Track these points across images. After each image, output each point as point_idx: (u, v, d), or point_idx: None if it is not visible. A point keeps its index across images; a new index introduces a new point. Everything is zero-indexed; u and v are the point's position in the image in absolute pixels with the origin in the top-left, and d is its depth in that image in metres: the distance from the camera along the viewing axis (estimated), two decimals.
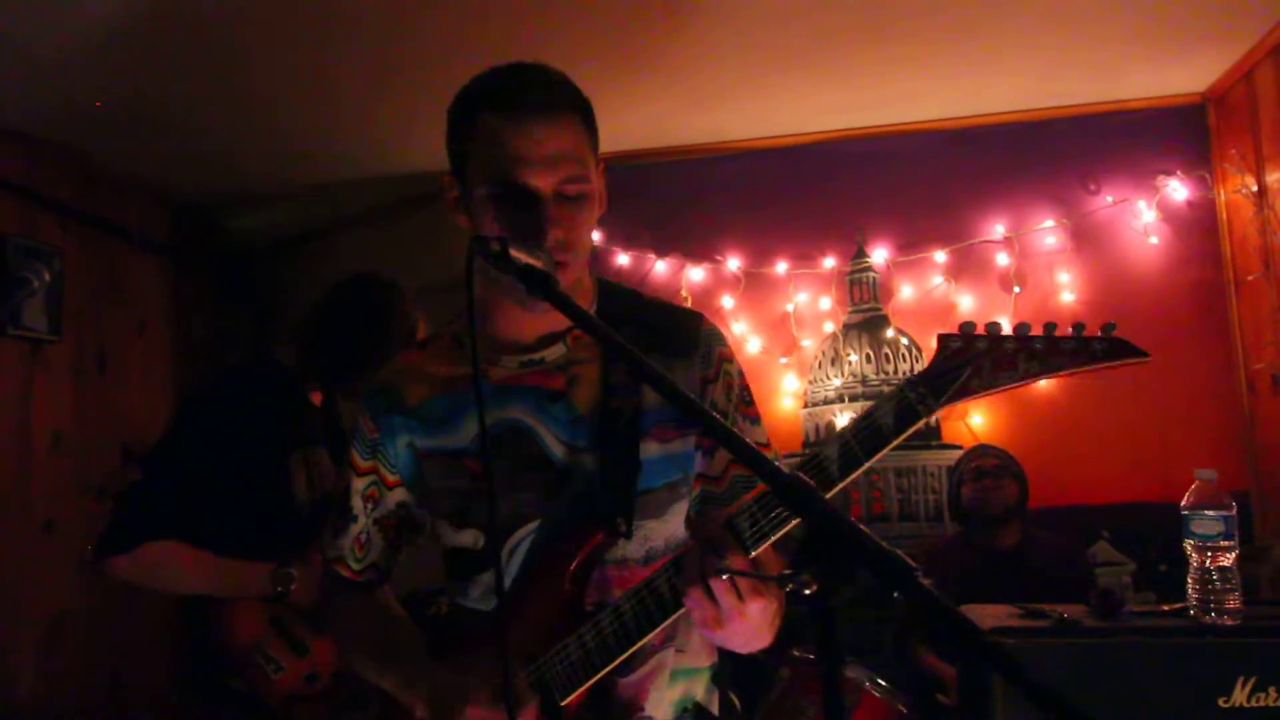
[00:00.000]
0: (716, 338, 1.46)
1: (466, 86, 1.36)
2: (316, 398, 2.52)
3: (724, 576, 1.06)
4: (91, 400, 3.96)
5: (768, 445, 1.47)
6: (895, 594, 0.82)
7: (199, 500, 2.26)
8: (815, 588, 0.86)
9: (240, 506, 2.32)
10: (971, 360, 1.14)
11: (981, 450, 3.53)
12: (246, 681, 2.30)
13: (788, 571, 0.87)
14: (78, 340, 3.90)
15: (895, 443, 1.15)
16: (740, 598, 1.10)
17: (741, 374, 1.48)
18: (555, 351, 1.41)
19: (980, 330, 1.16)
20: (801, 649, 2.84)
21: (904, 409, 1.15)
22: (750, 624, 1.12)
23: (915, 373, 1.17)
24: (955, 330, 1.17)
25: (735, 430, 1.38)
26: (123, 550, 2.21)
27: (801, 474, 1.15)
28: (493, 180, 1.28)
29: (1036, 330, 1.15)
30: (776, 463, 1.15)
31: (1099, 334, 1.13)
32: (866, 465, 1.16)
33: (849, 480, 1.16)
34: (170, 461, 2.31)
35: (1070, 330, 1.14)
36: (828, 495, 1.14)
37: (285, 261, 4.81)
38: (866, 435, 1.15)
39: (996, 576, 3.16)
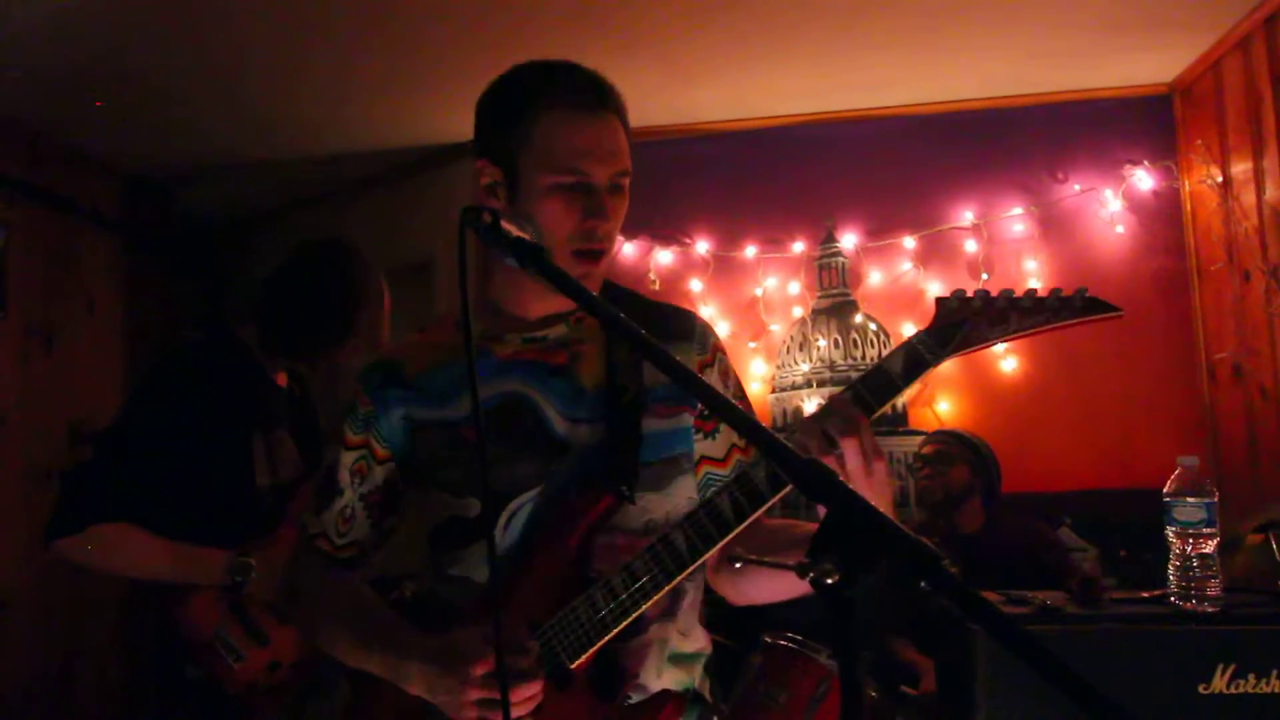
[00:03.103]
0: (711, 331, 1.54)
1: (518, 79, 1.42)
2: (281, 379, 2.43)
3: (736, 564, 1.03)
4: (38, 380, 3.83)
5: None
6: (921, 583, 0.80)
7: (153, 482, 2.17)
8: (836, 578, 0.82)
9: (197, 489, 2.23)
10: (969, 317, 1.25)
11: (934, 435, 3.56)
12: (205, 670, 2.22)
13: (806, 560, 0.83)
14: (24, 318, 3.76)
15: (904, 389, 1.26)
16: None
17: (735, 369, 1.55)
18: (557, 330, 1.45)
19: (970, 295, 1.27)
20: (773, 635, 2.83)
21: (913, 357, 1.25)
22: (881, 477, 1.20)
23: (921, 330, 1.27)
24: (940, 309, 1.28)
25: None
26: (71, 532, 2.12)
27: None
28: (563, 170, 1.35)
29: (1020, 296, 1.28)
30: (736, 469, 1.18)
31: (1075, 292, 1.26)
32: (879, 412, 1.25)
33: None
34: (123, 440, 2.21)
35: (1050, 292, 1.27)
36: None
37: (241, 240, 4.69)
38: (878, 384, 1.25)
39: (961, 561, 3.16)
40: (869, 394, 1.24)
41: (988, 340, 1.24)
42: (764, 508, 1.24)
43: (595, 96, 1.39)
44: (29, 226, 3.80)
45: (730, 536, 1.25)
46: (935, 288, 3.99)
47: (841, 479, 0.97)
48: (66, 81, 3.44)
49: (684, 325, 1.50)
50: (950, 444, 3.43)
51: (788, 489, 1.20)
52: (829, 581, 0.82)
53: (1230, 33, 3.44)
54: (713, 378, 1.48)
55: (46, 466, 3.74)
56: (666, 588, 1.27)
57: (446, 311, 1.57)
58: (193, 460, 2.20)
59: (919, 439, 3.87)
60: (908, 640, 3.15)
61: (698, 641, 1.46)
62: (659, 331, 1.42)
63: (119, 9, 2.99)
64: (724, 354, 1.53)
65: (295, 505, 2.32)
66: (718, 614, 1.69)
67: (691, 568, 1.26)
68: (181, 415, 2.21)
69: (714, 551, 1.27)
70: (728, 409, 0.96)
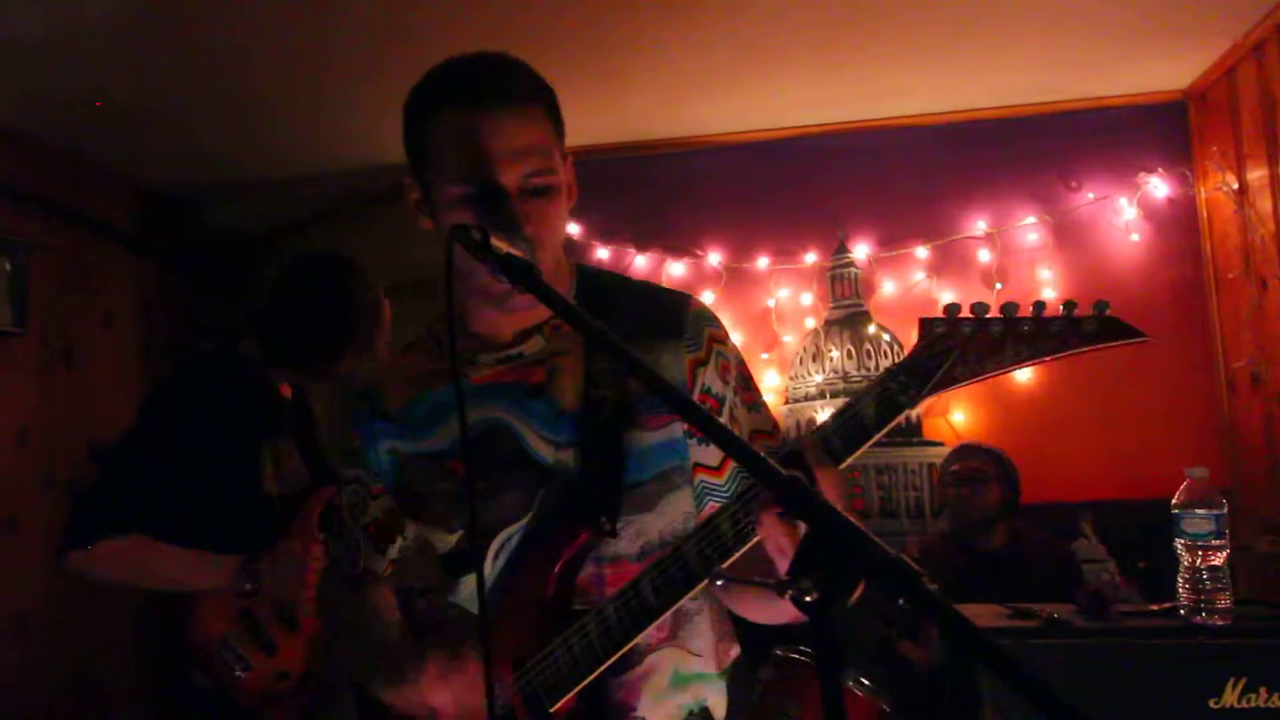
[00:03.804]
0: (706, 318, 1.39)
1: (422, 82, 1.31)
2: (286, 390, 2.45)
3: (719, 582, 1.02)
4: (58, 394, 3.87)
5: (771, 433, 1.40)
6: (900, 601, 0.78)
7: (162, 493, 2.19)
8: (815, 595, 0.82)
9: (205, 499, 2.25)
10: (956, 347, 1.07)
11: (964, 451, 3.47)
12: (214, 679, 2.24)
13: (786, 578, 0.83)
14: (44, 333, 3.80)
15: (877, 436, 1.09)
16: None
17: (740, 358, 1.41)
18: (533, 345, 1.36)
19: (965, 313, 1.08)
20: (784, 649, 2.81)
21: (886, 400, 1.08)
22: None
23: (896, 361, 1.11)
24: (923, 335, 1.10)
25: (736, 414, 1.36)
26: (81, 545, 2.14)
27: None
28: (460, 179, 1.23)
29: (1025, 311, 1.07)
30: (774, 455, 1.11)
31: (1090, 313, 1.05)
32: (849, 460, 1.10)
33: None
34: (131, 454, 2.23)
35: (1061, 310, 1.06)
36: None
37: (258, 255, 4.73)
38: (848, 430, 1.09)
39: (987, 577, 3.14)
40: (839, 442, 1.09)
41: (977, 376, 1.06)
42: (730, 560, 1.13)
43: (490, 88, 1.23)
44: (49, 242, 3.85)
45: (699, 587, 1.16)
46: (948, 297, 3.95)
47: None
48: (87, 101, 3.49)
49: (672, 318, 1.37)
50: (983, 461, 3.37)
51: (754, 541, 1.09)
52: (808, 599, 0.82)
53: (1245, 39, 3.42)
54: (708, 376, 1.35)
55: (66, 480, 3.78)
56: (637, 637, 1.20)
57: (424, 334, 1.49)
58: (200, 471, 2.23)
59: (934, 450, 3.85)
60: (910, 643, 3.11)
61: (715, 658, 1.38)
62: (644, 327, 1.34)
63: (137, 32, 3.03)
64: (722, 342, 1.38)
65: (301, 514, 2.34)
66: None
67: (658, 620, 1.19)
68: (188, 427, 2.23)
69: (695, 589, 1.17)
70: (709, 424, 0.93)
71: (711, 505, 1.35)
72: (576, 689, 1.23)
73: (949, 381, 1.07)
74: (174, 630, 2.26)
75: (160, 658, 2.40)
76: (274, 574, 2.24)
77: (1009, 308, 1.07)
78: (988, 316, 1.07)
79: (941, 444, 3.88)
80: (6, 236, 3.59)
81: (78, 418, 3.93)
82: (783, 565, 1.01)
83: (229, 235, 4.78)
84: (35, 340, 3.76)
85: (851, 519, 0.83)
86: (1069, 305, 1.06)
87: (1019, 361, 1.06)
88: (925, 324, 1.09)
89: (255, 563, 2.23)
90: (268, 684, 2.26)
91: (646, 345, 1.33)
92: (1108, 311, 1.05)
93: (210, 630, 2.24)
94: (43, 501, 3.70)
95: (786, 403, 4.11)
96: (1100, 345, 1.04)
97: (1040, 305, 1.07)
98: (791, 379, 4.11)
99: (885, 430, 1.09)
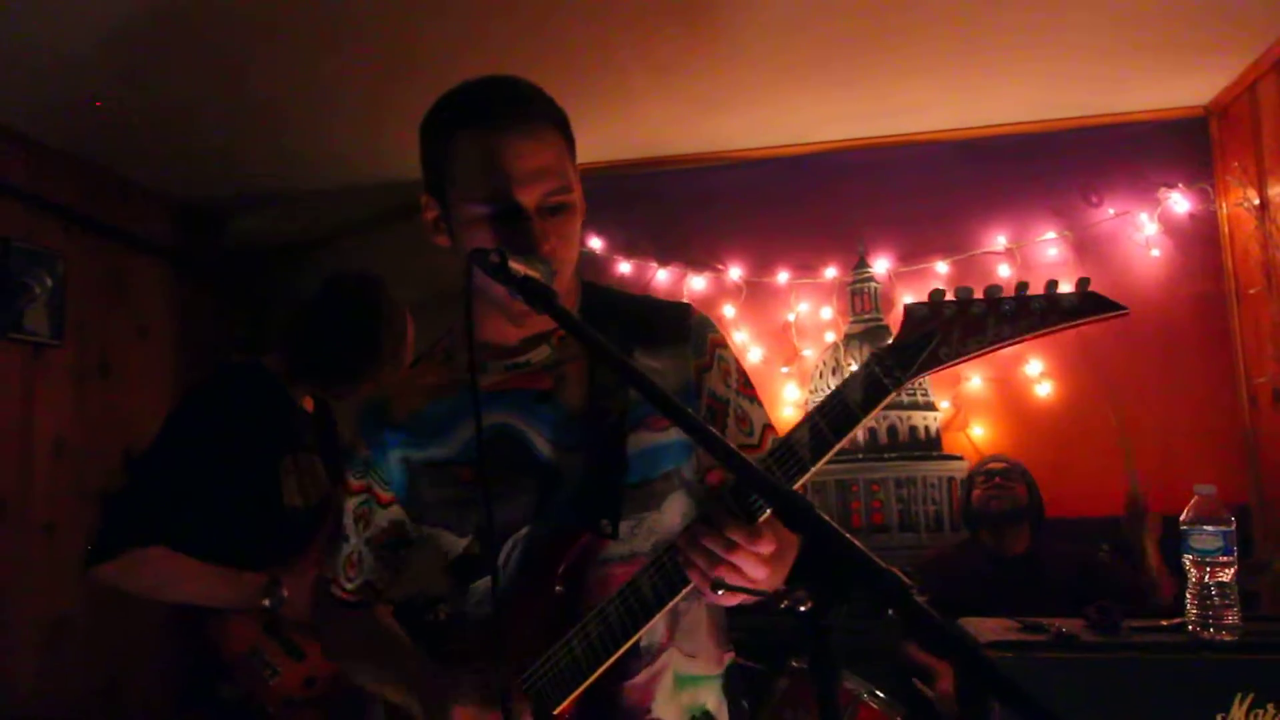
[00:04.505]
0: (708, 325, 1.45)
1: (439, 105, 1.35)
2: (308, 404, 2.51)
3: (718, 591, 1.05)
4: (93, 405, 3.97)
5: (772, 427, 1.45)
6: (889, 611, 0.82)
7: (186, 505, 2.24)
8: (810, 605, 0.85)
9: (228, 511, 2.30)
10: (939, 328, 1.11)
11: (993, 457, 3.57)
12: (242, 687, 2.29)
13: (782, 589, 0.87)
14: (80, 344, 3.90)
15: (865, 419, 1.12)
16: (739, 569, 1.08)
17: (737, 359, 1.47)
18: (541, 353, 1.40)
19: (949, 297, 1.12)
20: (800, 660, 2.84)
21: (871, 383, 1.12)
22: (760, 583, 1.10)
23: (883, 345, 1.14)
24: (907, 319, 1.15)
25: (742, 412, 1.41)
26: (109, 557, 2.19)
27: (775, 464, 1.14)
28: (481, 199, 1.27)
29: (1009, 293, 1.12)
30: (767, 461, 1.14)
31: (1072, 290, 1.09)
32: (838, 445, 1.13)
33: (822, 463, 1.13)
34: (157, 466, 2.28)
35: (1044, 289, 1.10)
36: (801, 480, 1.12)
37: (289, 266, 4.81)
38: (835, 414, 1.13)
39: (1007, 583, 3.15)
40: (827, 426, 1.13)
41: (960, 356, 1.10)
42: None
43: (509, 111, 1.27)
44: (85, 255, 3.95)
45: (690, 587, 1.18)
46: None
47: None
48: (118, 116, 3.58)
49: (675, 327, 1.42)
50: (1015, 465, 3.45)
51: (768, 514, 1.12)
52: (802, 609, 0.86)
53: (1266, 54, 3.42)
54: (712, 380, 1.41)
55: (101, 490, 3.87)
56: (636, 635, 1.23)
57: (433, 346, 1.54)
58: (223, 484, 2.27)
59: (953, 464, 3.87)
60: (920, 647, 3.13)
61: (708, 662, 1.40)
62: (648, 336, 1.39)
63: (166, 49, 3.13)
64: (724, 347, 1.44)
65: (325, 526, 2.39)
66: (746, 637, 1.68)
67: (658, 616, 1.21)
68: (211, 440, 2.28)
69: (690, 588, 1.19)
70: (704, 434, 0.95)
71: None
72: (580, 689, 1.25)
73: (933, 362, 1.11)
74: (201, 640, 2.31)
75: (188, 668, 2.44)
76: (296, 588, 2.28)
77: (992, 289, 1.11)
78: (969, 298, 1.12)
79: (961, 458, 3.89)
80: (44, 249, 3.70)
81: (112, 428, 4.03)
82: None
83: (253, 248, 4.88)
84: (72, 352, 3.86)
85: (843, 532, 0.86)
86: (1050, 284, 1.10)
87: (1000, 340, 1.09)
88: (909, 309, 1.14)
89: (276, 584, 2.27)
90: (295, 690, 2.31)
91: (650, 353, 1.38)
92: (1090, 287, 1.08)
93: (239, 639, 2.28)
94: (78, 509, 3.79)
95: None
96: (1081, 320, 1.08)
97: (1023, 286, 1.11)
98: (811, 392, 4.13)
99: (873, 414, 1.12)
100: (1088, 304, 1.08)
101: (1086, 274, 3.65)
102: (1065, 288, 1.09)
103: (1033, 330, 1.08)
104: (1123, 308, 1.08)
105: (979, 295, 1.11)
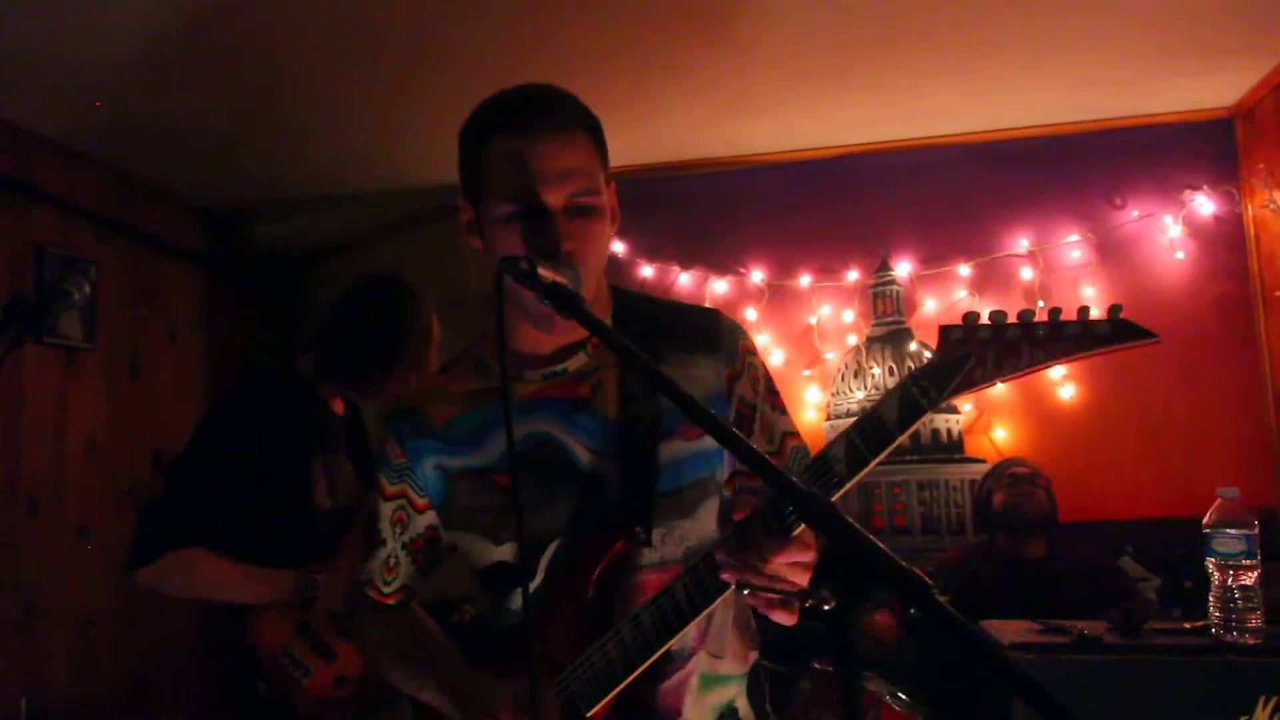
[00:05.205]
0: (738, 332, 1.48)
1: (477, 111, 1.38)
2: (338, 406, 2.55)
3: (745, 591, 1.07)
4: (124, 407, 4.03)
5: (795, 434, 1.47)
6: (911, 611, 0.84)
7: (222, 508, 2.28)
8: (833, 604, 0.87)
9: (262, 514, 2.34)
10: (974, 350, 1.13)
11: (1015, 460, 3.55)
12: (275, 686, 2.33)
13: (806, 588, 0.89)
14: (111, 348, 3.97)
15: (901, 438, 1.14)
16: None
17: (765, 366, 1.49)
18: (577, 361, 1.42)
19: (984, 320, 1.15)
20: (822, 661, 2.85)
21: (908, 403, 1.14)
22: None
23: (918, 367, 1.14)
24: (943, 341, 1.17)
25: (766, 418, 1.43)
26: (148, 561, 2.24)
27: (811, 478, 1.16)
28: (508, 198, 1.29)
29: (1041, 317, 1.13)
30: (795, 464, 1.15)
31: (1105, 316, 1.11)
32: (874, 463, 1.15)
33: (857, 479, 1.15)
34: (192, 471, 2.33)
35: (1076, 315, 1.12)
36: (836, 495, 1.14)
37: (316, 270, 4.87)
38: (871, 432, 1.15)
39: (1023, 586, 3.15)
40: (863, 443, 1.15)
41: (994, 379, 1.13)
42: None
43: (539, 115, 1.31)
44: (117, 260, 4.02)
45: (727, 593, 1.20)
46: None
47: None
48: (149, 124, 3.65)
49: (710, 334, 1.44)
50: (1034, 468, 3.44)
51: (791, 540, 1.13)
52: (826, 608, 0.88)
53: None
54: (742, 386, 1.43)
55: (132, 490, 3.94)
56: (670, 641, 1.24)
57: (463, 352, 1.55)
58: (256, 485, 2.31)
59: (975, 466, 3.87)
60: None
61: (733, 662, 1.42)
62: (679, 342, 1.41)
63: (197, 60, 3.18)
64: (754, 354, 1.47)
65: (355, 526, 2.43)
66: (769, 639, 1.69)
67: (693, 622, 1.23)
68: (244, 443, 2.32)
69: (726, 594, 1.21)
70: (733, 441, 0.97)
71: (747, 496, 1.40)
72: (612, 694, 1.27)
73: (967, 384, 1.13)
74: (239, 640, 2.35)
75: (222, 666, 2.49)
76: (329, 584, 2.33)
77: (1026, 314, 1.13)
78: (1004, 323, 1.14)
79: (983, 460, 3.89)
80: (78, 255, 3.77)
81: (142, 429, 4.10)
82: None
83: (281, 253, 4.94)
84: (104, 354, 3.93)
85: (866, 533, 0.88)
86: (1083, 310, 1.12)
87: (1034, 364, 1.12)
88: (944, 330, 1.16)
89: (311, 575, 2.32)
90: (327, 689, 2.35)
91: (682, 359, 1.40)
92: (1121, 314, 1.10)
93: (271, 639, 2.32)
94: (110, 509, 3.86)
95: (828, 419, 4.14)
96: (1114, 347, 1.10)
97: (1056, 311, 1.13)
98: (833, 395, 4.14)
99: (908, 432, 1.15)
100: (1120, 331, 1.10)
101: (1110, 276, 3.64)
102: (1095, 313, 1.11)
103: (1066, 355, 1.11)
104: (1154, 335, 1.09)
105: (1013, 320, 1.14)
